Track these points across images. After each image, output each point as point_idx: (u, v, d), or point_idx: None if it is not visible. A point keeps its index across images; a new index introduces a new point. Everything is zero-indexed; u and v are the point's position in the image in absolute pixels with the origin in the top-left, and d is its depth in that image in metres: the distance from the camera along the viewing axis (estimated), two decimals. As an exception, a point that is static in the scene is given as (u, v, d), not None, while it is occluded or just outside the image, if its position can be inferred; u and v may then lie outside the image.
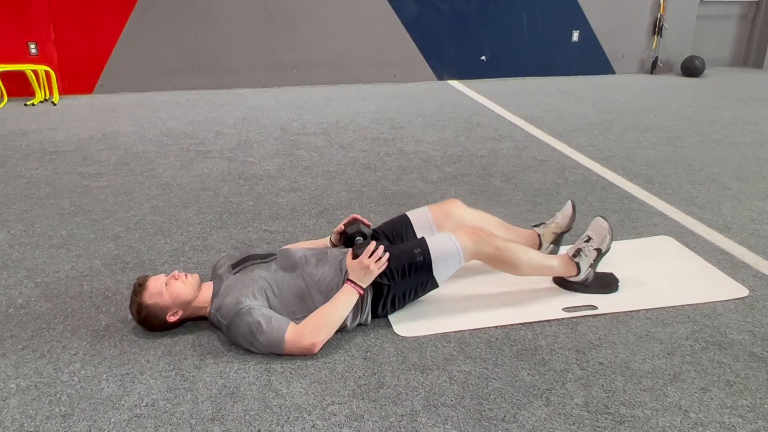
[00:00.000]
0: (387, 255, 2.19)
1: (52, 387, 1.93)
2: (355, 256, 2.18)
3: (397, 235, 2.48)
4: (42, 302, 2.42)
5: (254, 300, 2.09)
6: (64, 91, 6.20)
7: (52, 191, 3.61)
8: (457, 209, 2.58)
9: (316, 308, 2.13)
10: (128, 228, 3.10)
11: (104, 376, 1.98)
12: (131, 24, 6.15)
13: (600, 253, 2.41)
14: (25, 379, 1.97)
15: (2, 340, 2.17)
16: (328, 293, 2.18)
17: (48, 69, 5.98)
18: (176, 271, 2.18)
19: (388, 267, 2.20)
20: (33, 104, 5.83)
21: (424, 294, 2.31)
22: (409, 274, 2.22)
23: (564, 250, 2.61)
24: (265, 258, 2.26)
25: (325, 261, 2.26)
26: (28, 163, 4.12)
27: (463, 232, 2.29)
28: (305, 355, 2.06)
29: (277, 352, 2.04)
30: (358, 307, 2.18)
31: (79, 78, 6.22)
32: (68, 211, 3.31)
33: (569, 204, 2.68)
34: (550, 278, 2.50)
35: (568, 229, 2.66)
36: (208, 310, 2.18)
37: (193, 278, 2.19)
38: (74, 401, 1.87)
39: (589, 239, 2.43)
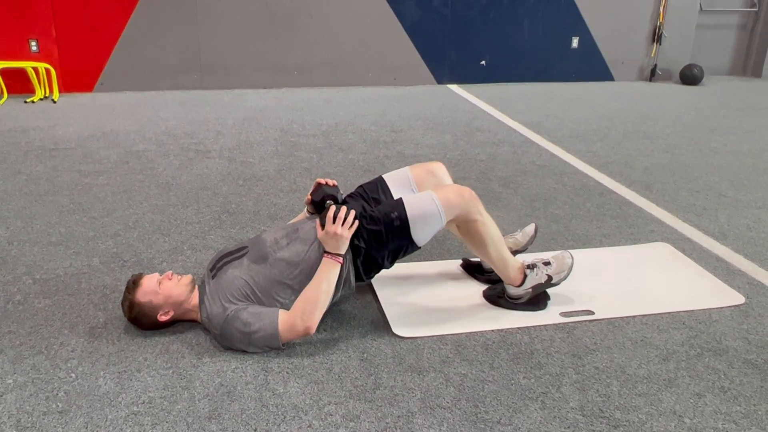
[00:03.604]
0: (353, 213, 2.13)
1: (50, 383, 1.93)
2: (322, 227, 2.13)
3: (372, 196, 2.41)
4: (40, 299, 2.43)
5: (237, 302, 2.08)
6: (64, 88, 6.21)
7: (51, 188, 3.62)
8: (440, 170, 2.50)
9: (301, 288, 2.11)
10: (127, 226, 3.11)
11: (101, 373, 1.98)
12: (133, 23, 6.16)
13: (549, 281, 2.33)
14: (23, 375, 1.97)
15: (0, 336, 2.17)
16: (305, 269, 2.13)
17: (48, 66, 5.99)
18: (170, 272, 2.18)
19: (363, 229, 2.16)
20: (33, 101, 5.84)
21: (405, 255, 2.25)
22: (386, 238, 2.17)
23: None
24: (237, 253, 2.21)
25: (296, 238, 2.19)
26: (27, 160, 4.13)
27: (449, 189, 2.22)
28: (304, 336, 2.09)
29: (276, 347, 2.05)
30: (340, 276, 2.15)
31: (79, 76, 6.22)
32: (67, 209, 3.32)
33: (533, 226, 2.61)
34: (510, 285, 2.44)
35: (523, 250, 2.59)
36: (198, 315, 2.18)
37: (186, 279, 2.19)
38: (71, 398, 1.87)
39: (548, 263, 2.35)
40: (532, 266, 2.35)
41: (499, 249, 2.28)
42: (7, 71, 5.94)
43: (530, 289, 2.34)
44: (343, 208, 2.13)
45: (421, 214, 2.17)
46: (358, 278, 2.25)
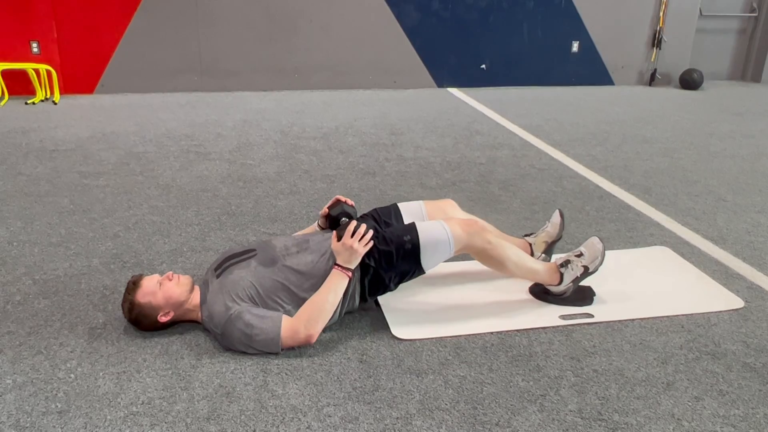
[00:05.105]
0: (371, 232, 2.17)
1: (49, 383, 1.94)
2: (339, 239, 2.15)
3: (385, 220, 2.47)
4: (40, 299, 2.43)
5: (241, 303, 2.08)
6: (65, 90, 6.21)
7: (51, 189, 3.62)
8: (451, 208, 2.59)
9: (305, 296, 2.13)
10: (127, 227, 3.11)
11: (101, 374, 1.98)
12: (134, 25, 6.17)
13: (586, 272, 2.37)
14: (22, 375, 1.97)
15: (0, 336, 2.18)
16: (312, 279, 2.16)
17: (49, 68, 5.99)
18: (170, 272, 2.19)
19: (375, 248, 2.19)
20: (33, 103, 5.84)
21: (411, 279, 2.29)
22: (396, 260, 2.21)
23: (553, 258, 2.63)
24: (244, 255, 2.22)
25: (306, 248, 2.23)
26: (28, 161, 4.13)
27: (456, 222, 2.29)
28: (304, 345, 2.10)
29: (275, 351, 2.06)
30: (346, 292, 2.17)
31: (80, 78, 6.23)
32: (67, 210, 3.32)
33: (557, 213, 2.68)
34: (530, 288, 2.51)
35: (558, 238, 2.65)
36: (198, 314, 2.19)
37: (186, 280, 2.19)
38: (71, 398, 1.87)
39: (580, 254, 2.40)
40: (565, 263, 2.40)
41: (521, 265, 2.35)
42: (8, 72, 5.95)
43: (571, 284, 2.39)
44: (363, 225, 2.17)
45: (432, 241, 2.22)
46: (362, 298, 2.27)
